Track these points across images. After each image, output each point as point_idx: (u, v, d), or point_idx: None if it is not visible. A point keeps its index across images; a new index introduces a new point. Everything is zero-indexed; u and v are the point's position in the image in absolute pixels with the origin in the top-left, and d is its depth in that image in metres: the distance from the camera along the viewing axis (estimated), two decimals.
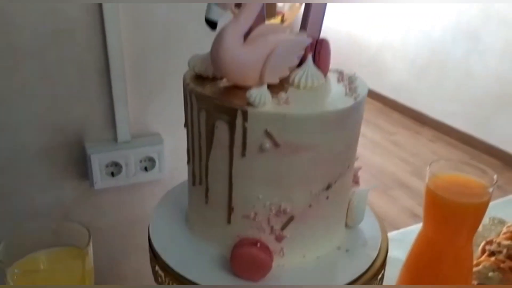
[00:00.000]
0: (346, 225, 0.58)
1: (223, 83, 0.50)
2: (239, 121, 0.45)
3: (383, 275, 0.56)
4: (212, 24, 0.45)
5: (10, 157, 0.90)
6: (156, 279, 0.55)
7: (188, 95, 0.50)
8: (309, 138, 0.46)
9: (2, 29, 0.81)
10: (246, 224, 0.50)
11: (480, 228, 0.86)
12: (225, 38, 0.45)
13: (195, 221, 0.57)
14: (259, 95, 0.44)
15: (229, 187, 0.49)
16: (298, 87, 0.49)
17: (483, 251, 0.78)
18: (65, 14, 0.84)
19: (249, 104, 0.44)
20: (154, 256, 0.55)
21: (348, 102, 0.47)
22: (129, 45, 0.90)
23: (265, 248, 0.50)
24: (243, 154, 0.47)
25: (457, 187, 0.62)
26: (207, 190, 0.52)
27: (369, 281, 0.52)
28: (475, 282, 0.72)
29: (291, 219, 0.50)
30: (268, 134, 0.45)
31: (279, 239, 0.51)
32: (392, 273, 0.68)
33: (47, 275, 0.51)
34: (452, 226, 0.64)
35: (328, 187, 0.50)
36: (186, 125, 0.53)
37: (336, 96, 0.50)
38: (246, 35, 0.48)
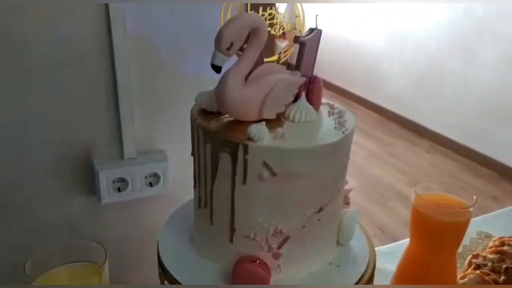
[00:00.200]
0: (338, 242, 0.64)
1: (227, 118, 0.56)
2: (240, 153, 0.51)
3: None
4: (217, 69, 0.51)
5: (23, 174, 0.95)
6: None
7: (195, 129, 0.56)
8: (302, 168, 0.52)
9: (19, 55, 0.86)
10: (247, 243, 0.56)
11: (468, 242, 0.91)
12: (229, 80, 0.52)
13: (200, 240, 0.62)
14: (258, 131, 0.50)
15: (231, 210, 0.55)
16: (293, 121, 0.56)
17: (470, 264, 0.82)
18: (76, 41, 0.89)
19: (250, 139, 0.51)
20: (163, 271, 0.61)
21: (337, 136, 0.54)
22: (136, 68, 0.95)
23: (264, 265, 0.55)
24: (244, 182, 0.53)
25: (440, 206, 0.67)
26: (211, 212, 0.58)
27: None
28: None
29: (286, 238, 0.56)
30: (266, 165, 0.51)
31: (276, 256, 0.57)
32: (384, 284, 0.74)
33: None
34: (435, 242, 0.70)
35: (320, 210, 0.56)
36: (193, 154, 0.59)
37: (326, 130, 0.56)
38: (247, 75, 0.54)
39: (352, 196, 0.67)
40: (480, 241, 0.93)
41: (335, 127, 0.55)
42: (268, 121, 0.53)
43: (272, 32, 0.59)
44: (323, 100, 0.62)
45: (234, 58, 0.53)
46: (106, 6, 0.88)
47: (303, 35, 0.58)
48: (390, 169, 2.96)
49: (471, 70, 3.00)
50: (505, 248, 0.82)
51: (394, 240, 0.93)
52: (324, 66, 3.80)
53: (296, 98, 0.57)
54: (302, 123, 0.56)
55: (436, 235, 0.69)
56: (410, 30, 3.40)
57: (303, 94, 0.56)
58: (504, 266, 0.78)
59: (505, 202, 2.50)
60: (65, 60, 0.90)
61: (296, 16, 0.61)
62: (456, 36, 3.07)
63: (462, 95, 3.08)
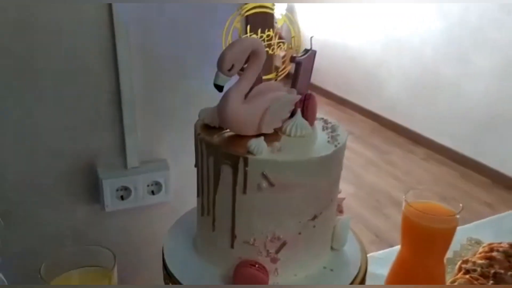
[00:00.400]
0: (332, 248, 0.68)
1: (228, 133, 0.60)
2: (241, 165, 0.55)
3: None
4: (219, 88, 0.55)
5: (31, 182, 0.99)
6: None
7: (199, 142, 0.60)
8: (298, 179, 0.57)
9: (26, 70, 0.90)
10: (246, 248, 0.60)
11: (458, 248, 0.95)
12: (230, 98, 0.56)
13: (203, 245, 0.66)
14: (257, 145, 0.55)
15: (232, 218, 0.59)
16: (289, 135, 0.60)
17: (460, 269, 0.85)
18: (82, 55, 0.93)
19: (249, 152, 0.55)
20: (168, 275, 0.64)
21: (330, 149, 0.58)
22: (139, 80, 0.99)
23: (262, 269, 0.59)
24: (244, 191, 0.57)
25: (428, 213, 0.71)
26: (214, 220, 0.62)
27: None
28: None
29: (283, 244, 0.60)
30: (264, 176, 0.55)
31: (274, 261, 0.61)
32: None
33: None
34: (423, 247, 0.74)
35: (315, 217, 0.60)
36: (196, 165, 0.63)
37: (320, 144, 0.60)
38: (247, 93, 0.58)
39: (348, 202, 0.71)
40: (470, 247, 0.96)
41: (328, 141, 0.60)
42: (266, 136, 0.57)
43: (270, 52, 0.64)
44: (318, 115, 0.66)
45: (235, 76, 0.57)
46: (111, 21, 0.91)
47: (299, 55, 0.63)
48: (386, 176, 2.99)
49: (467, 79, 3.04)
50: (494, 254, 0.85)
51: (390, 246, 0.94)
52: (322, 75, 3.85)
53: (292, 114, 0.61)
54: (298, 137, 0.60)
55: (424, 240, 0.73)
56: (407, 39, 3.45)
57: (299, 110, 0.61)
58: (492, 271, 0.81)
59: (499, 208, 2.53)
60: (71, 73, 0.93)
61: (293, 37, 0.66)
62: (452, 45, 3.11)
63: (458, 104, 3.12)
